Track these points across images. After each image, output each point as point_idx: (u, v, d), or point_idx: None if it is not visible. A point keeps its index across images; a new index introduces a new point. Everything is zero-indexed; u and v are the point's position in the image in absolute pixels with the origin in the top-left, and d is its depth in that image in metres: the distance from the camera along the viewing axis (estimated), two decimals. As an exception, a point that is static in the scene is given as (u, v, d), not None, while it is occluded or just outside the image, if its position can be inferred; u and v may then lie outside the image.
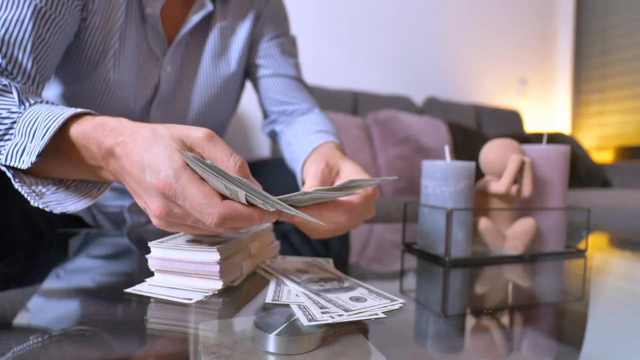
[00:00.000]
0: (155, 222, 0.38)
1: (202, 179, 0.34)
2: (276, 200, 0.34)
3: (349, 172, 0.49)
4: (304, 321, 0.31)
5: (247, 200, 0.34)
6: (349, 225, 0.46)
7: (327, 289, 0.40)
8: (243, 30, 0.79)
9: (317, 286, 0.40)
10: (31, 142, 0.43)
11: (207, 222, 0.34)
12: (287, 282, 0.42)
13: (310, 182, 0.47)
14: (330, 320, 0.31)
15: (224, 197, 0.35)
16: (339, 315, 0.33)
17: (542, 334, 0.34)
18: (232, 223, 0.34)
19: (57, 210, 0.46)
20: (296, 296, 0.37)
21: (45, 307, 0.37)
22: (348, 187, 0.41)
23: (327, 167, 0.49)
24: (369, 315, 0.33)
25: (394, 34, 2.55)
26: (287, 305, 0.35)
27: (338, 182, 0.48)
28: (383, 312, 0.34)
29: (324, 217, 0.42)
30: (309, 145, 0.68)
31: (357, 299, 0.37)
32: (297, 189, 0.77)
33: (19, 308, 0.36)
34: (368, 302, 0.36)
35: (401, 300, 0.37)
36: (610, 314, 0.40)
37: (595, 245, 0.77)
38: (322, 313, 0.33)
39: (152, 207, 0.36)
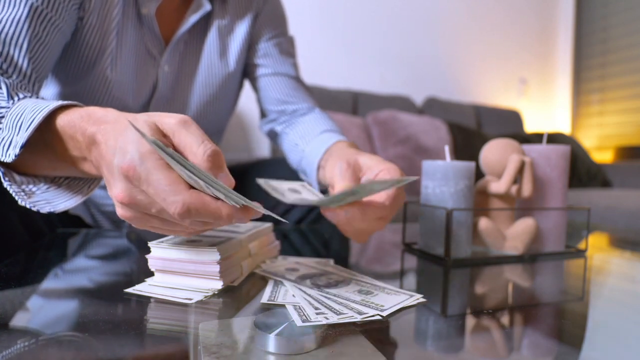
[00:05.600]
0: (119, 212, 0.36)
1: (170, 166, 0.33)
2: (239, 196, 0.32)
3: (370, 165, 0.48)
4: (298, 322, 0.31)
5: (214, 196, 0.33)
6: (377, 227, 0.46)
7: (333, 284, 0.40)
8: (242, 30, 0.79)
9: (325, 280, 0.41)
10: (17, 135, 0.43)
11: (170, 211, 0.32)
12: (286, 282, 0.42)
13: (339, 184, 0.46)
14: (325, 321, 0.31)
15: (192, 188, 0.33)
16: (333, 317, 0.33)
17: (542, 334, 0.34)
18: (197, 215, 0.32)
19: (45, 210, 0.45)
20: (292, 296, 0.37)
21: (45, 307, 0.37)
22: (370, 188, 0.40)
23: (349, 167, 0.48)
24: (364, 317, 0.33)
25: (393, 34, 2.55)
26: (283, 306, 0.35)
27: (365, 178, 0.48)
28: (380, 315, 0.34)
29: (353, 218, 0.42)
30: (321, 146, 0.68)
31: (367, 292, 0.37)
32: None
33: (19, 308, 0.36)
34: (394, 298, 0.36)
35: (419, 295, 0.38)
36: (610, 314, 0.40)
37: (595, 245, 0.77)
38: (317, 314, 0.33)
39: (115, 192, 0.34)
